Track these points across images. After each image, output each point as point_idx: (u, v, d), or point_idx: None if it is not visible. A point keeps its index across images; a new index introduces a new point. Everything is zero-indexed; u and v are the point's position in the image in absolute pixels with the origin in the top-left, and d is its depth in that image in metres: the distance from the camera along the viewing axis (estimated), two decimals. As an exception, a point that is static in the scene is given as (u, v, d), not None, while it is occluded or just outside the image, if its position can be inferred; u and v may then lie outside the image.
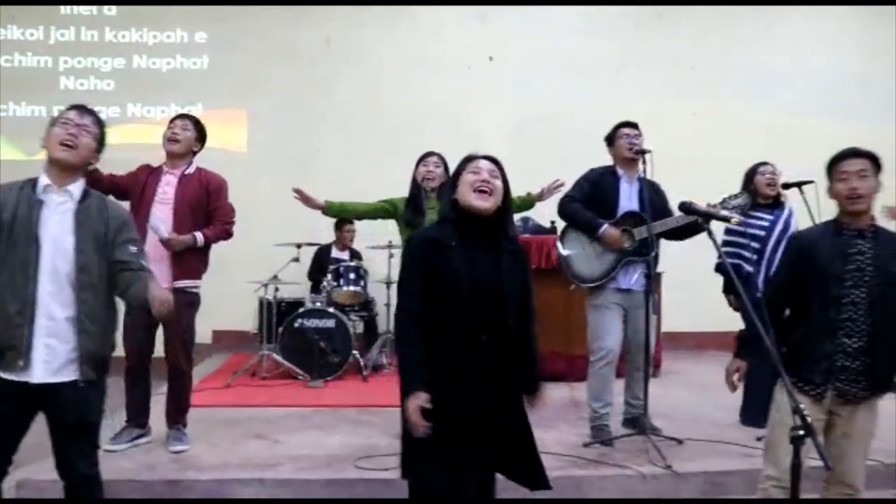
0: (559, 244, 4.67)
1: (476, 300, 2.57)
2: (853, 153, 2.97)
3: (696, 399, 5.84)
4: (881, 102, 9.27)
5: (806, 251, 2.96)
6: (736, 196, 4.44)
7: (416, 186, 4.57)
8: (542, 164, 7.48)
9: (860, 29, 9.35)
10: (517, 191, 8.00)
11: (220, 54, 8.51)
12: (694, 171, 6.99)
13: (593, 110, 7.43)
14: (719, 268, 4.78)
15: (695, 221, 4.36)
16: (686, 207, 3.25)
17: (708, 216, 3.15)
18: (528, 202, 4.75)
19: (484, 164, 2.72)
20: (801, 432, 2.22)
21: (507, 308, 2.63)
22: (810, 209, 4.47)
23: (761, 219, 4.88)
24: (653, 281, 4.45)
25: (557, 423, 5.04)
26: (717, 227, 4.80)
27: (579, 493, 3.89)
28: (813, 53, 9.14)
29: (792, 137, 8.46)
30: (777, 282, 3.20)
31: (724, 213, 4.07)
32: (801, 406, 2.26)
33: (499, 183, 2.70)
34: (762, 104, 8.82)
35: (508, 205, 2.77)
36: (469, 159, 2.76)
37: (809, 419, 2.89)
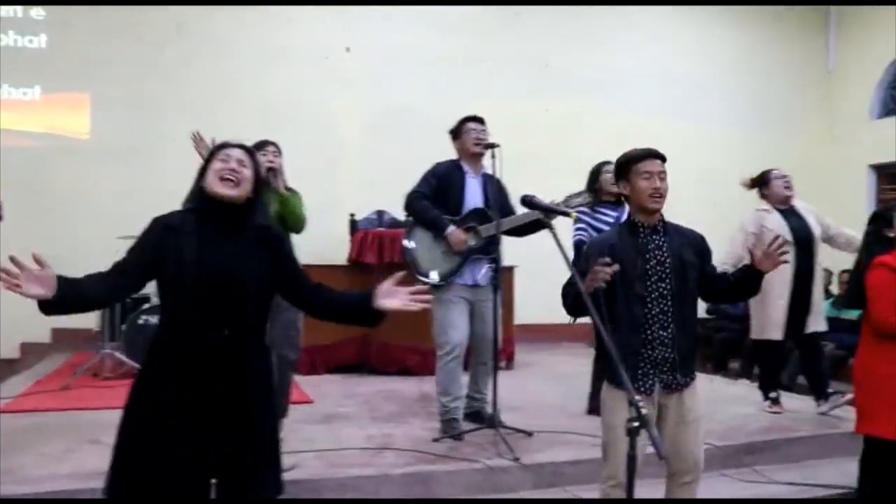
0: (405, 240, 4.58)
1: (207, 291, 2.42)
2: (656, 154, 3.06)
3: (548, 391, 5.94)
4: (724, 105, 9.85)
5: (608, 253, 2.95)
6: (578, 194, 4.51)
7: None
8: (399, 157, 7.47)
9: (705, 35, 9.92)
10: (368, 183, 7.85)
11: (60, 32, 7.90)
12: (545, 168, 7.18)
13: (449, 104, 7.43)
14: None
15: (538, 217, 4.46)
16: (527, 201, 3.23)
17: (549, 211, 3.16)
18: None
19: (234, 152, 2.57)
20: (636, 423, 2.21)
21: (245, 300, 2.49)
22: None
23: (607, 215, 4.99)
24: (500, 275, 4.43)
25: (408, 419, 5.02)
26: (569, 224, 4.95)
27: (427, 489, 3.84)
28: (662, 56, 9.62)
29: (641, 137, 8.66)
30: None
31: (567, 209, 4.12)
32: (637, 398, 2.25)
33: (248, 172, 2.56)
34: (613, 104, 9.16)
35: (260, 194, 2.63)
36: (220, 147, 2.61)
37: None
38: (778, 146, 9.75)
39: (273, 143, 4.34)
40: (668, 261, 3.00)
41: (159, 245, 2.46)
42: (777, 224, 5.29)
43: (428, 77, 8.54)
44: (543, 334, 7.97)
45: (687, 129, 9.43)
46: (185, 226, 2.49)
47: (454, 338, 4.44)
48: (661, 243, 3.03)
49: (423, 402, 5.40)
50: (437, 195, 4.49)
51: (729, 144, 9.70)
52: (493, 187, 4.51)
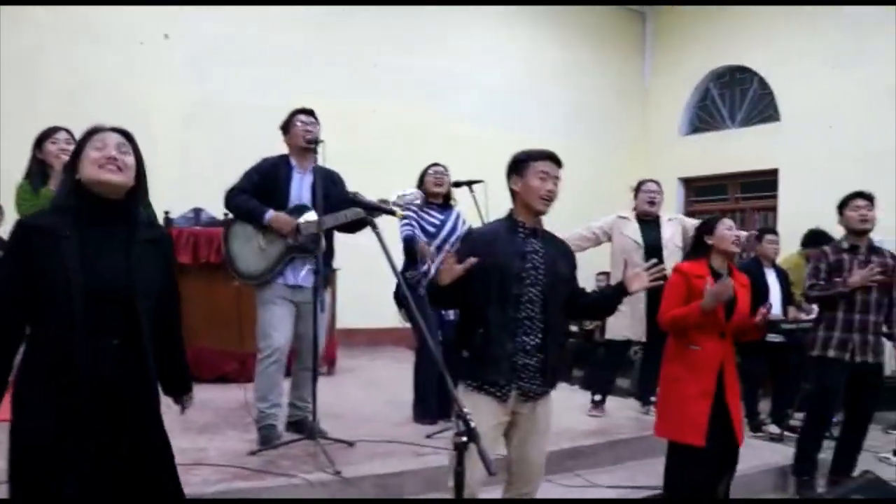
0: (223, 238, 4.30)
1: (95, 300, 2.14)
2: (555, 158, 3.04)
3: (370, 397, 5.77)
4: (547, 115, 10.09)
5: (483, 250, 2.89)
6: (409, 193, 4.40)
7: (38, 165, 3.95)
8: (219, 153, 7.09)
9: (529, 46, 10.13)
10: (185, 179, 7.37)
11: None
12: (371, 167, 6.96)
13: (274, 100, 7.13)
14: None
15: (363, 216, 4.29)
16: (350, 198, 3.07)
17: (372, 208, 2.99)
18: None
19: (111, 137, 2.26)
20: (465, 439, 2.08)
21: (138, 307, 2.22)
22: (479, 208, 4.60)
23: (434, 216, 4.98)
24: (322, 277, 4.22)
25: (225, 430, 4.67)
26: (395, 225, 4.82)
27: (240, 510, 3.55)
28: (488, 63, 9.69)
29: (468, 143, 8.87)
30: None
31: (391, 207, 4.01)
32: (466, 411, 2.13)
33: (130, 159, 2.26)
34: (442, 108, 9.14)
35: (142, 184, 2.33)
36: (92, 132, 2.28)
37: (495, 421, 2.89)
38: (599, 158, 10.16)
39: (66, 130, 3.88)
40: (542, 266, 2.94)
41: (34, 252, 2.13)
42: (632, 231, 5.51)
43: (252, 71, 8.13)
44: (366, 338, 7.81)
45: (510, 137, 9.52)
46: (62, 228, 2.15)
47: (276, 341, 4.18)
48: (538, 247, 2.97)
49: (241, 411, 5.04)
50: (260, 192, 4.21)
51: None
52: (327, 182, 4.28)
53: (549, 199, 2.96)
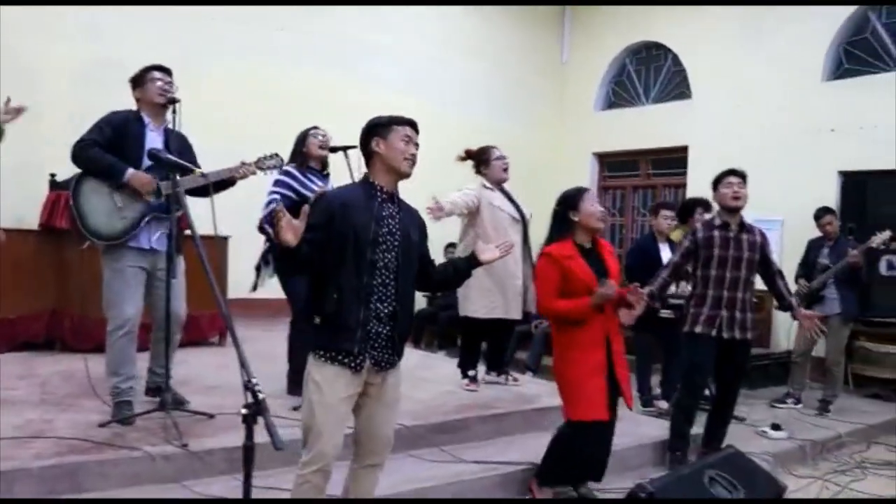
0: (72, 195, 4.00)
1: None
2: (415, 125, 2.93)
3: (253, 369, 5.59)
4: (463, 88, 9.96)
5: (338, 212, 2.76)
6: (270, 157, 4.24)
7: None
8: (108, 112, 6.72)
9: (446, 17, 9.92)
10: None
11: None
12: (276, 134, 6.68)
13: (170, 61, 6.81)
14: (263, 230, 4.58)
15: (231, 178, 4.11)
16: (153, 154, 2.92)
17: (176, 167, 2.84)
18: None
19: None
20: (249, 410, 1.95)
21: None
22: (353, 175, 4.44)
23: (316, 183, 4.78)
24: (178, 241, 4.02)
25: (83, 401, 4.46)
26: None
27: (74, 483, 3.35)
28: (403, 33, 9.46)
29: (380, 112, 8.66)
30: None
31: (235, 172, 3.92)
32: (256, 380, 1.99)
33: None
34: (353, 76, 8.87)
35: None
36: None
37: (346, 394, 2.77)
38: (514, 132, 10.07)
39: None
40: (398, 232, 2.85)
41: None
42: (502, 202, 5.37)
43: (147, 31, 7.74)
44: (262, 310, 7.58)
45: (427, 108, 9.40)
46: None
47: (126, 311, 3.98)
48: (394, 213, 2.88)
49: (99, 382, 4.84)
50: (111, 147, 3.97)
51: (466, 127, 9.81)
52: (178, 143, 4.07)
53: (413, 161, 2.88)
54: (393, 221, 2.86)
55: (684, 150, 9.48)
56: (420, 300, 9.24)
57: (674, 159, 9.86)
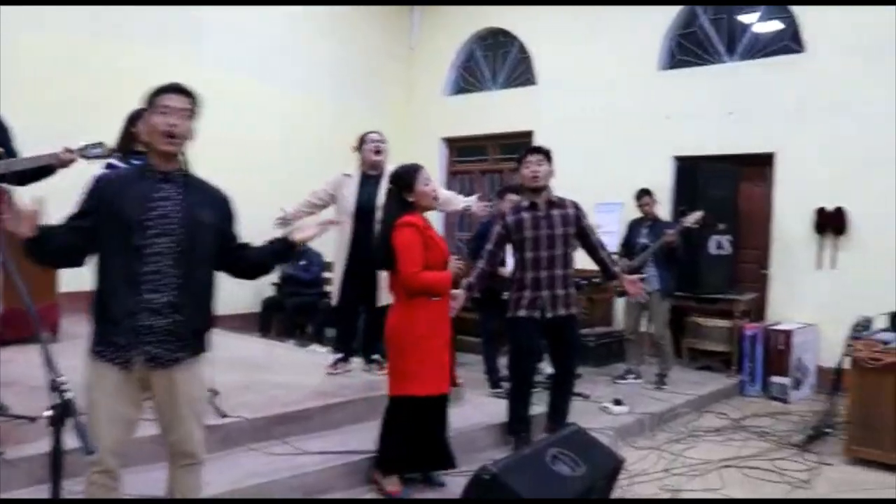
0: None
1: None
2: (181, 89, 2.71)
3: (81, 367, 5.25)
4: (309, 71, 9.74)
5: (107, 196, 2.57)
6: (95, 145, 3.96)
7: None
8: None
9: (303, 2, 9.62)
10: None
11: None
12: (100, 115, 6.29)
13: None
14: None
15: (50, 165, 3.80)
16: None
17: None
18: None
19: None
20: (53, 412, 1.78)
21: None
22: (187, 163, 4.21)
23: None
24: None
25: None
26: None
27: None
28: (247, 12, 9.06)
29: (221, 95, 8.29)
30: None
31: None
32: (63, 379, 1.82)
33: None
34: (190, 55, 8.43)
35: None
36: None
37: (120, 394, 2.57)
38: (361, 116, 9.93)
39: None
40: (176, 215, 2.61)
41: None
42: (351, 191, 5.29)
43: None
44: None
45: (271, 90, 9.17)
46: None
47: None
48: (173, 194, 2.64)
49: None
50: None
51: (311, 110, 9.65)
52: None
53: (172, 135, 2.61)
54: (168, 203, 2.63)
55: (530, 135, 9.68)
56: (267, 288, 8.99)
57: (520, 144, 9.98)
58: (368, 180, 5.35)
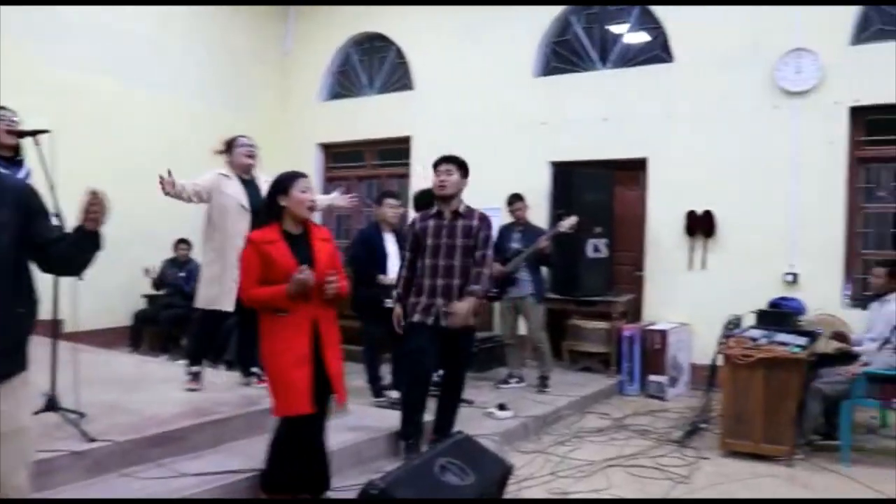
0: None
1: None
2: None
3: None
4: (181, 73, 9.32)
5: None
6: None
7: None
8: None
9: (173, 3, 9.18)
10: None
11: None
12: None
13: None
14: None
15: None
16: None
17: None
18: None
19: None
20: None
21: None
22: (45, 163, 3.89)
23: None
24: None
25: None
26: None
27: None
28: (116, 11, 8.57)
29: (82, 95, 7.96)
30: None
31: None
32: None
33: None
34: (50, 55, 7.90)
35: None
36: None
37: None
38: (234, 120, 9.60)
39: None
40: None
41: None
42: (234, 190, 5.10)
43: None
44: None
45: (134, 92, 8.71)
46: None
47: None
48: None
49: None
50: None
51: (180, 114, 9.23)
52: None
53: None
54: None
55: (407, 140, 9.61)
56: (139, 300, 8.53)
57: (398, 150, 9.96)
58: (247, 183, 5.23)
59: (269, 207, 3.72)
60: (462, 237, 4.65)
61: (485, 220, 4.77)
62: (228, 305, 5.04)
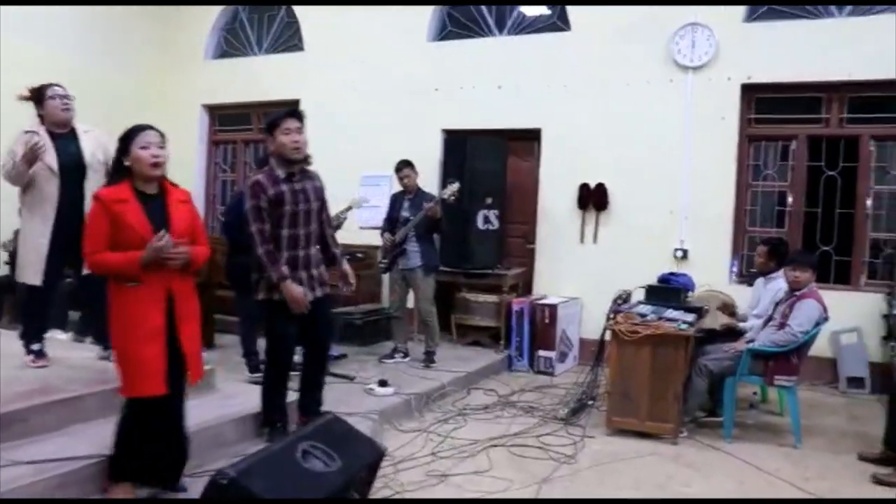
0: None
1: None
2: None
3: None
4: (53, 27, 8.54)
5: None
6: None
7: None
8: None
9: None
10: None
11: None
12: None
13: None
14: None
15: None
16: None
17: None
18: None
19: None
20: None
21: None
22: None
23: None
24: None
25: None
26: None
27: None
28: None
29: None
30: None
31: None
32: None
33: None
34: None
35: None
36: None
37: None
38: (113, 78, 9.00)
39: None
40: None
41: None
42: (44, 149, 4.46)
43: None
44: None
45: (10, 45, 7.91)
46: None
47: None
48: None
49: None
50: None
51: (55, 70, 8.42)
52: None
53: None
54: None
55: (296, 103, 9.12)
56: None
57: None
58: (60, 137, 4.58)
59: (114, 167, 3.32)
60: (315, 200, 4.28)
61: (320, 178, 4.43)
62: (34, 278, 4.52)
